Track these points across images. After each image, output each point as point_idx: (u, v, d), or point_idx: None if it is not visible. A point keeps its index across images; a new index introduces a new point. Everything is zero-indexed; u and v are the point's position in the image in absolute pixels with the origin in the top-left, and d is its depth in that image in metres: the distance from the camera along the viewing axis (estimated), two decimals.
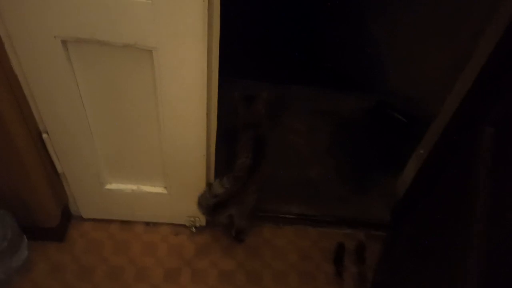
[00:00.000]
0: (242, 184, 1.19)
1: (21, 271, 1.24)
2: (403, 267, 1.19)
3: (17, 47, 0.92)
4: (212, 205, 1.18)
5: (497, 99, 0.95)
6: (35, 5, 0.85)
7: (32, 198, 1.20)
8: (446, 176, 1.13)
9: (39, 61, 0.95)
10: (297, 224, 1.47)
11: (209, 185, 1.25)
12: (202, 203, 1.20)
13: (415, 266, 1.11)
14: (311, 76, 1.92)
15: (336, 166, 1.65)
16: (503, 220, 0.80)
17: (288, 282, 1.34)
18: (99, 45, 0.93)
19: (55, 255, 1.32)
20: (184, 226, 1.41)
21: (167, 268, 1.33)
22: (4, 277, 1.18)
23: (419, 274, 1.06)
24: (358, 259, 1.39)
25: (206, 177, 1.25)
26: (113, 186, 1.29)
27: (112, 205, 1.36)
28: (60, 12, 0.86)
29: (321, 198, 1.55)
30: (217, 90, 1.05)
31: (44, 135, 1.12)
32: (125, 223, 1.41)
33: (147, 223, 1.42)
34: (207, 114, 1.08)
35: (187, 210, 1.34)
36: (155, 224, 1.42)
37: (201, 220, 1.40)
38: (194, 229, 1.41)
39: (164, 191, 1.31)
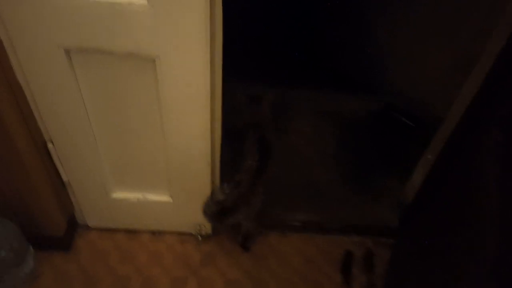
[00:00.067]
0: (249, 186, 1.19)
1: (27, 281, 1.24)
2: (413, 274, 1.17)
3: (21, 57, 0.93)
4: (217, 212, 1.17)
5: (505, 102, 0.93)
6: (38, 16, 0.85)
7: (37, 208, 1.20)
8: (454, 180, 1.12)
9: (42, 70, 0.96)
10: (304, 231, 1.45)
11: (211, 192, 1.24)
12: (206, 211, 1.19)
13: (425, 273, 1.08)
14: (315, 78, 1.92)
15: (342, 170, 1.63)
16: None
17: None
18: (102, 54, 0.93)
19: (61, 265, 1.31)
20: (190, 234, 1.40)
21: (174, 277, 1.32)
22: (11, 287, 1.18)
23: (430, 281, 1.04)
24: (367, 267, 1.36)
25: (211, 184, 1.25)
26: (118, 195, 1.29)
27: (117, 214, 1.36)
28: (63, 22, 0.87)
29: (327, 203, 1.53)
30: (221, 97, 1.05)
31: (49, 145, 1.13)
32: (131, 232, 1.41)
33: (153, 232, 1.41)
34: (211, 121, 1.08)
35: (193, 218, 1.34)
36: (161, 232, 1.41)
37: (207, 228, 1.39)
38: (200, 238, 1.40)
39: (170, 200, 1.30)
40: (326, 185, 1.58)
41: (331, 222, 1.47)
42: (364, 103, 1.87)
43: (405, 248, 1.31)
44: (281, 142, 1.69)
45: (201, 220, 1.29)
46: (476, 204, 0.92)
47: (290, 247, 1.42)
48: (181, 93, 1.01)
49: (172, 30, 0.88)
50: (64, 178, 1.22)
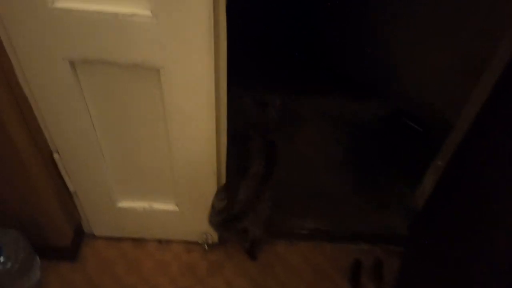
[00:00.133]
0: (255, 192, 1.17)
1: None
2: (422, 284, 1.15)
3: (26, 69, 0.93)
4: (222, 221, 1.16)
5: None
6: (43, 29, 0.85)
7: (44, 217, 1.20)
8: (465, 187, 1.09)
9: (48, 82, 0.96)
10: (311, 239, 1.43)
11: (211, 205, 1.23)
12: (212, 220, 1.18)
13: (435, 282, 1.06)
14: (322, 83, 1.90)
15: (350, 176, 1.61)
16: None
17: None
18: (106, 65, 0.93)
19: (67, 275, 1.31)
20: (196, 243, 1.39)
21: (180, 287, 1.31)
22: None
23: None
24: (375, 276, 1.34)
25: None
26: (124, 204, 1.29)
27: (124, 223, 1.36)
28: (67, 34, 0.87)
29: (335, 211, 1.51)
30: (226, 105, 1.04)
31: (55, 155, 1.13)
32: (138, 241, 1.40)
33: (160, 241, 1.40)
34: (216, 130, 1.07)
35: (199, 227, 1.33)
36: (168, 241, 1.40)
37: (214, 236, 1.38)
38: (206, 246, 1.39)
39: (176, 208, 1.29)
40: (334, 192, 1.56)
41: (339, 230, 1.45)
42: (373, 109, 1.85)
43: (414, 257, 1.28)
44: (288, 147, 1.67)
45: (208, 229, 1.28)
46: (488, 211, 0.90)
47: (297, 255, 1.40)
48: (186, 103, 1.00)
49: (177, 41, 0.88)
50: (71, 188, 1.22)
